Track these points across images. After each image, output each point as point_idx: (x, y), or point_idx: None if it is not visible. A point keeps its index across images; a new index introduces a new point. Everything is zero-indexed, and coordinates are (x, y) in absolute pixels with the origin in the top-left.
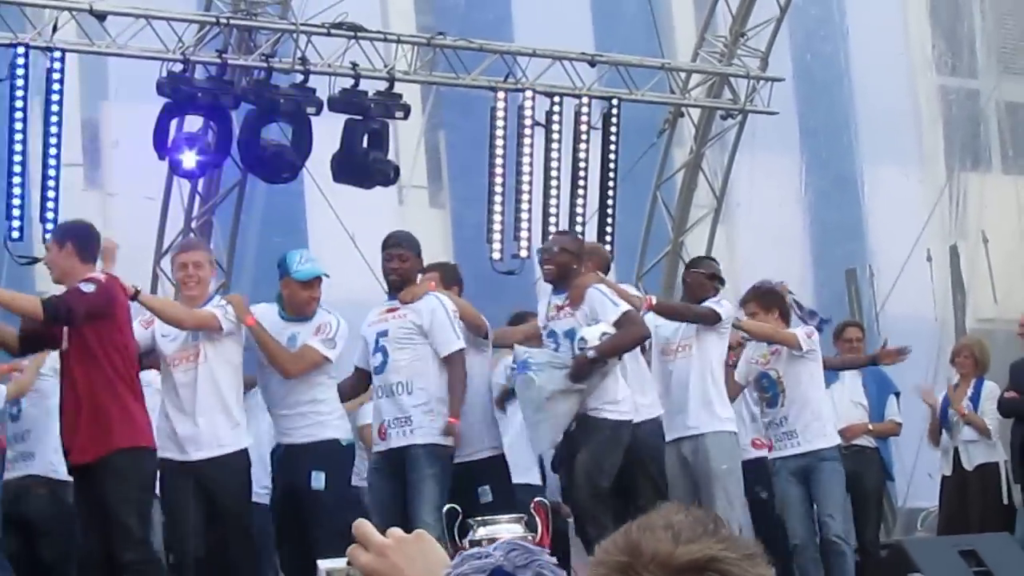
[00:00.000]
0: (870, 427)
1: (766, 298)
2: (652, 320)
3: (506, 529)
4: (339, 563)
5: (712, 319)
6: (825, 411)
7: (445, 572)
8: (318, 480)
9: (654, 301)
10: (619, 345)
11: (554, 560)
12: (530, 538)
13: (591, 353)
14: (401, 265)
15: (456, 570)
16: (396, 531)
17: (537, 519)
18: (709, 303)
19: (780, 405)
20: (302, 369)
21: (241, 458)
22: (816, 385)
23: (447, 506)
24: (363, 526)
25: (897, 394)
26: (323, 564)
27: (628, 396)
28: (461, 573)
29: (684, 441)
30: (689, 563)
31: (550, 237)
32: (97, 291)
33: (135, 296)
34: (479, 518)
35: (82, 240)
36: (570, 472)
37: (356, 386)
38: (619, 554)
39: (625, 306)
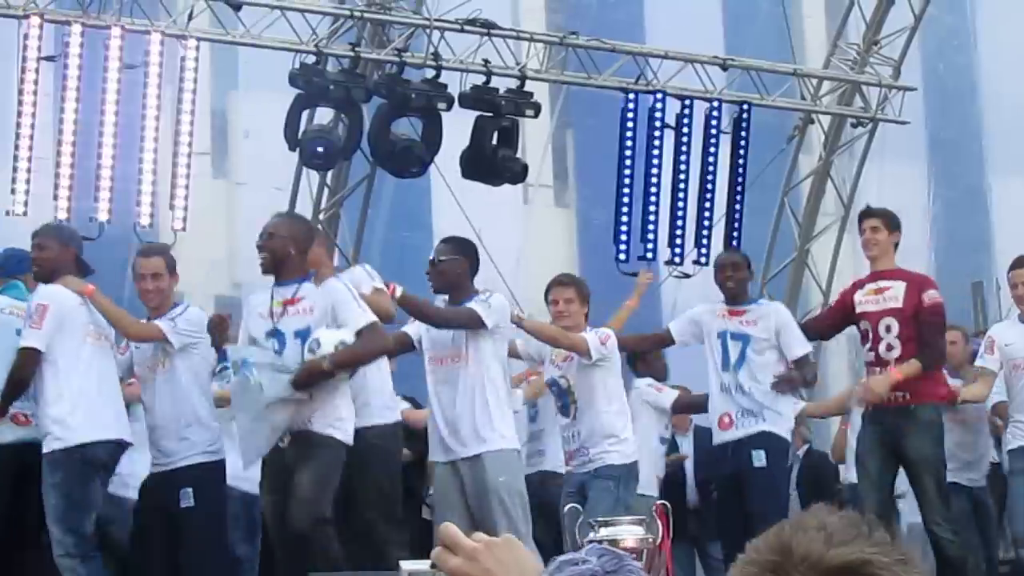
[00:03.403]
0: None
1: (584, 287)
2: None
3: (627, 531)
4: (422, 565)
5: (472, 324)
6: (618, 427)
7: None
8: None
9: (399, 292)
10: (358, 358)
11: (640, 564)
12: (651, 540)
13: (326, 364)
14: (40, 255)
15: None
16: (482, 535)
17: (658, 522)
18: (473, 303)
19: (572, 417)
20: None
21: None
22: (610, 397)
23: (569, 505)
24: (450, 529)
25: None
26: (406, 565)
27: (351, 417)
28: None
29: (459, 462)
30: (841, 566)
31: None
32: None
33: None
34: (601, 519)
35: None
36: (283, 497)
37: None
38: (770, 553)
39: (372, 316)
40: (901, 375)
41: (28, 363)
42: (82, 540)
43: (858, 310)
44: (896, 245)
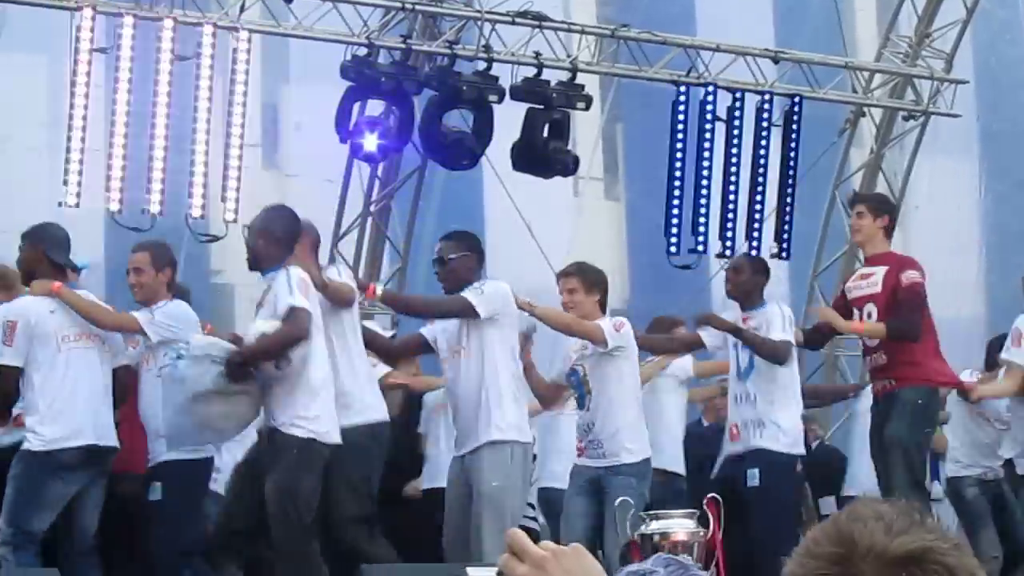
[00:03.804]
0: None
1: (592, 275)
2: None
3: (678, 524)
4: (488, 571)
5: (464, 312)
6: (632, 419)
7: None
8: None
9: (379, 292)
10: (266, 348)
11: (705, 573)
12: (702, 533)
13: (236, 356)
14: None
15: None
16: (550, 544)
17: (709, 514)
18: (466, 291)
19: (586, 408)
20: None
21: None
22: (626, 388)
23: (620, 499)
24: (518, 536)
25: None
26: (473, 572)
27: (323, 412)
28: None
29: (466, 455)
30: (906, 555)
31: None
32: None
33: None
34: (651, 512)
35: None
36: (259, 502)
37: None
38: (831, 545)
39: (298, 300)
40: (863, 327)
41: (7, 380)
42: (19, 533)
43: (849, 298)
44: (886, 230)
